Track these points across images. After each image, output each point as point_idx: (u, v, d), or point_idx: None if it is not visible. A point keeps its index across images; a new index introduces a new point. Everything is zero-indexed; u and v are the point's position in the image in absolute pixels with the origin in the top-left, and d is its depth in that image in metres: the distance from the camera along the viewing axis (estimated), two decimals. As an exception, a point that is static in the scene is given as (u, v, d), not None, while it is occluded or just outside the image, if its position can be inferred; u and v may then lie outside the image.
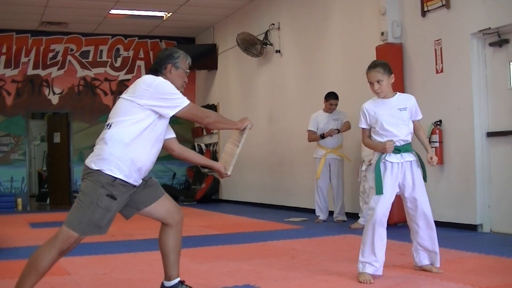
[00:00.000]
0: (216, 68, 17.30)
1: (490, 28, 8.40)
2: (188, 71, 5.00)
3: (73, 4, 14.76)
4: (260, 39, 14.19)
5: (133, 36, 18.38)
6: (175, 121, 17.17)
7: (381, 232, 5.57)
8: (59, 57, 17.67)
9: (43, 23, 16.62)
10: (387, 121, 5.59)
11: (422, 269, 5.80)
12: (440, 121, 9.14)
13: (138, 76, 17.88)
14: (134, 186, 4.62)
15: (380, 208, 5.55)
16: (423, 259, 5.80)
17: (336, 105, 10.40)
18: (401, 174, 5.62)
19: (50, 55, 17.63)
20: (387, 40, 9.95)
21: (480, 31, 8.57)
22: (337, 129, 10.33)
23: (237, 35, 14.38)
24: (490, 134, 8.61)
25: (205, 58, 17.20)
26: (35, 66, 17.48)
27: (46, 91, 17.58)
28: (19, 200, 16.59)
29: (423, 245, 5.77)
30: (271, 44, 13.98)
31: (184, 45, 18.10)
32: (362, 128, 5.80)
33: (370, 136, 5.77)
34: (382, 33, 9.99)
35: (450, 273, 5.67)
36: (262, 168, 14.67)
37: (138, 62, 18.33)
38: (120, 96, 4.77)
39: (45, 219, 13.11)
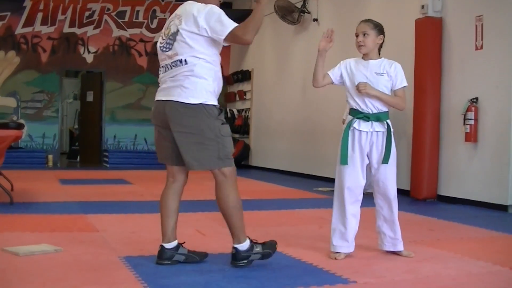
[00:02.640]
0: (252, 34, 17.15)
1: (534, 5, 8.28)
2: None
3: (112, -37, 14.75)
4: (298, 7, 14.09)
5: (170, -2, 18.37)
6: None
7: (353, 209, 5.31)
8: (96, 16, 17.70)
9: (81, -19, 16.67)
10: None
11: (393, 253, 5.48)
12: (477, 98, 9.02)
13: (174, 38, 17.85)
14: None
15: (349, 180, 5.28)
16: (385, 244, 5.45)
17: None
18: (369, 144, 5.28)
19: (87, 13, 17.67)
20: (427, 14, 9.82)
21: (524, 8, 8.44)
22: None
23: (275, 2, 14.27)
24: (527, 114, 8.51)
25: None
26: (71, 24, 17.53)
27: (81, 49, 17.64)
28: (50, 157, 16.68)
29: (381, 229, 5.45)
30: (308, 12, 13.88)
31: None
32: (328, 73, 5.55)
33: (322, 79, 5.55)
34: (423, 6, 9.86)
35: (479, 252, 5.62)
36: (294, 136, 14.63)
37: (174, 25, 18.27)
38: (179, 28, 4.76)
39: (75, 176, 13.23)
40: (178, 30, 4.76)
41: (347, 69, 5.42)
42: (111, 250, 5.36)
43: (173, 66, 4.80)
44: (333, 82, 5.52)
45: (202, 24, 4.68)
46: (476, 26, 9.08)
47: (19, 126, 8.73)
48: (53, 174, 13.68)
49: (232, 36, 4.67)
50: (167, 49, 4.83)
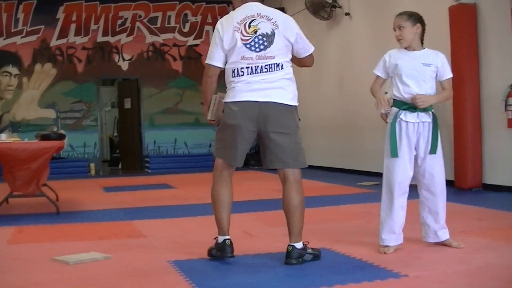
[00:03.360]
0: (285, 32, 17.10)
1: None
2: None
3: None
4: (329, 2, 14.03)
5: (201, 1, 18.37)
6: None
7: (401, 201, 5.30)
8: (128, 24, 17.79)
9: (112, -9, 16.79)
10: (407, 74, 5.23)
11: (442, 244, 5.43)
12: (517, 83, 8.92)
13: (207, 41, 17.89)
14: None
15: (398, 173, 5.26)
16: (429, 236, 5.41)
17: None
18: (416, 135, 5.26)
19: (119, 21, 17.76)
20: (461, 1, 9.71)
21: (561, -12, 8.32)
22: None
23: (306, -2, 14.25)
24: None
25: (273, 22, 17.05)
26: (105, 33, 17.64)
27: (116, 57, 17.74)
28: (92, 165, 16.86)
29: (425, 220, 5.40)
30: (340, 7, 13.82)
31: (252, 10, 17.97)
32: (376, 75, 5.47)
33: (380, 87, 5.45)
34: (456, -7, 9.78)
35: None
36: (333, 132, 14.58)
37: (207, 27, 18.31)
38: (276, 32, 4.93)
39: (118, 183, 13.31)
40: (274, 33, 4.89)
41: (391, 61, 5.36)
42: (160, 255, 5.38)
43: (268, 68, 4.88)
44: (385, 79, 5.48)
45: (298, 35, 5.01)
46: (511, 9, 8.96)
47: (61, 137, 8.79)
48: (96, 182, 13.79)
49: (308, 58, 5.18)
50: (259, 49, 4.88)
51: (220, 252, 4.97)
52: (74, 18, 17.36)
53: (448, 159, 9.74)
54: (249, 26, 4.88)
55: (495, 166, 9.42)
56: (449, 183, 9.49)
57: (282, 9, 16.78)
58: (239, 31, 4.89)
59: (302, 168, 5.02)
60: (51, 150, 8.22)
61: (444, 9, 9.99)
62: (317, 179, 12.49)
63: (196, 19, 18.35)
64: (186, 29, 18.28)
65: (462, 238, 5.57)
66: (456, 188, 9.52)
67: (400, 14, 5.39)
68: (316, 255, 5.00)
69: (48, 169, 8.38)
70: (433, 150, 5.24)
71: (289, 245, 4.90)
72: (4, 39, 16.87)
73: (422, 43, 5.38)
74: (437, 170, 5.29)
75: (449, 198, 5.46)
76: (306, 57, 5.14)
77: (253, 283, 4.36)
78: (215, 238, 5.09)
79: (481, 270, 4.54)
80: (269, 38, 4.86)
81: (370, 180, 11.25)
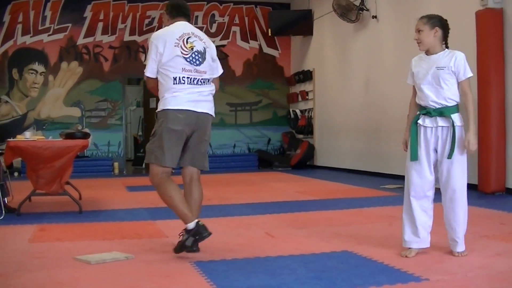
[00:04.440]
0: (311, 34, 17.13)
1: None
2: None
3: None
4: (356, 5, 14.00)
5: (228, 2, 18.37)
6: (270, 87, 17.07)
7: (422, 204, 5.27)
8: (155, 23, 17.81)
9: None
10: (421, 80, 5.22)
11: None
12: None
13: (234, 42, 18.00)
14: None
15: (414, 176, 5.25)
16: (449, 243, 5.29)
17: None
18: (434, 139, 5.21)
19: (146, 21, 17.79)
20: (488, 5, 9.63)
21: None
22: None
23: (333, 1, 14.21)
24: None
25: (300, 24, 17.08)
26: (132, 33, 17.69)
27: (143, 57, 17.76)
28: (116, 164, 16.88)
29: (445, 225, 5.31)
30: (367, 10, 13.78)
31: (279, 11, 18.02)
32: (411, 85, 5.47)
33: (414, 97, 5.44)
34: (482, -2, 9.71)
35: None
36: (358, 135, 14.54)
37: (234, 28, 18.31)
38: (207, 50, 5.54)
39: (141, 182, 13.30)
40: (205, 52, 5.52)
41: (412, 69, 5.39)
42: (182, 256, 5.38)
43: (202, 82, 5.49)
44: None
45: (215, 57, 5.63)
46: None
47: (85, 136, 8.83)
48: (119, 181, 13.83)
49: (216, 79, 5.73)
50: (196, 64, 5.43)
51: (198, 235, 5.24)
52: (101, 17, 17.44)
53: (471, 163, 9.70)
54: (187, 42, 5.42)
55: (520, 170, 9.36)
56: (472, 187, 9.47)
57: (309, 12, 16.83)
58: (179, 46, 5.39)
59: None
60: (75, 148, 8.25)
61: (471, 14, 9.93)
62: (341, 181, 12.48)
63: (223, 19, 18.35)
64: (213, 30, 18.29)
65: (485, 242, 5.55)
66: (479, 192, 9.47)
67: (420, 18, 5.35)
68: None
69: (71, 167, 8.40)
70: (449, 156, 5.15)
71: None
72: (31, 36, 16.98)
73: (447, 47, 5.32)
74: (452, 175, 5.17)
75: (472, 202, 5.44)
76: (215, 78, 5.69)
77: (274, 285, 4.35)
78: (180, 234, 5.34)
79: (502, 274, 4.53)
80: (202, 55, 5.46)
81: (394, 183, 11.21)
